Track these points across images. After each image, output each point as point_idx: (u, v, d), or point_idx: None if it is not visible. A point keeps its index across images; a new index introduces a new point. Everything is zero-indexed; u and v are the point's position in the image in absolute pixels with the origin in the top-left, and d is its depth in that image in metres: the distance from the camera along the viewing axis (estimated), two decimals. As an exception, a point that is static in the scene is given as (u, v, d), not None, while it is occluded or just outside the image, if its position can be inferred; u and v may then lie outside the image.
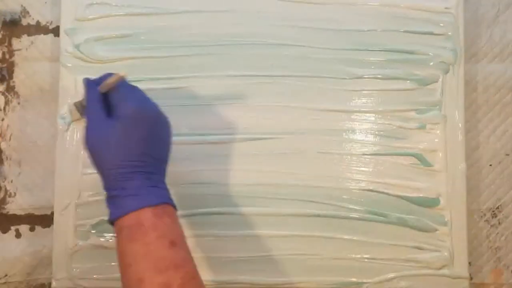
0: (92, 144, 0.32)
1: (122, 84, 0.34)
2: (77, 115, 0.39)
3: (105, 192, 0.32)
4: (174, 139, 0.44)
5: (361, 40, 0.45)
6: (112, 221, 0.32)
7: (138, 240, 0.30)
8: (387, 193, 0.44)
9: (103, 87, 0.34)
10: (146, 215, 0.31)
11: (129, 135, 0.31)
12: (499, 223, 0.47)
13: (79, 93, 0.44)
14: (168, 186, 0.35)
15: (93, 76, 0.44)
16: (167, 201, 0.32)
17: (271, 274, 0.43)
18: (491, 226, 0.47)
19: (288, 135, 0.44)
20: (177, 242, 0.31)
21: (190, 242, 0.42)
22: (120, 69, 0.44)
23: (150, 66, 0.45)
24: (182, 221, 0.43)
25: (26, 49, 0.47)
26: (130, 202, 0.31)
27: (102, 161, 0.32)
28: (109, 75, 0.34)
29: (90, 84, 0.35)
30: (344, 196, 0.44)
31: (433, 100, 0.45)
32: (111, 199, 0.32)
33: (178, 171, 0.44)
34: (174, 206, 0.33)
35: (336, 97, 0.45)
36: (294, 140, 0.44)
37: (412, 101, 0.45)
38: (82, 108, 0.36)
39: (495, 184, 0.47)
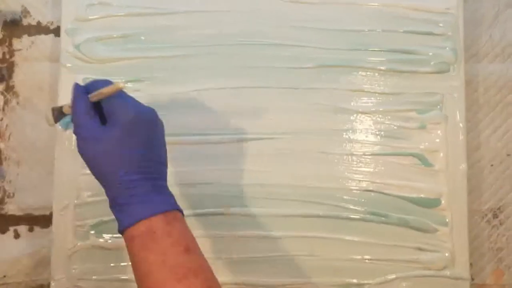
0: (91, 153, 0.31)
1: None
2: (51, 120, 0.34)
3: (110, 202, 0.32)
4: (175, 139, 0.44)
5: (361, 40, 0.45)
6: (122, 231, 0.31)
7: (152, 249, 0.29)
8: (388, 194, 0.44)
9: (96, 96, 0.32)
10: (158, 223, 0.30)
11: (130, 141, 0.31)
12: (500, 223, 0.46)
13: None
14: (168, 186, 0.34)
15: (94, 76, 0.44)
16: (176, 207, 0.32)
17: (272, 274, 0.43)
18: (492, 226, 0.46)
19: (288, 135, 0.44)
20: (191, 247, 0.30)
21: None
22: (121, 70, 0.45)
23: (150, 66, 0.45)
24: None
25: (27, 49, 0.47)
26: (140, 210, 0.30)
27: (105, 170, 0.31)
28: (104, 83, 0.32)
29: (79, 90, 0.33)
30: (345, 197, 0.44)
31: (434, 100, 0.45)
32: (119, 208, 0.31)
33: (178, 171, 0.44)
34: (181, 212, 0.32)
35: (336, 97, 0.45)
36: (294, 140, 0.44)
37: (413, 101, 0.45)
38: (59, 114, 0.34)
39: (496, 184, 0.47)
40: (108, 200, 0.32)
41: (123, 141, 0.31)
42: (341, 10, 0.45)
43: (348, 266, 0.43)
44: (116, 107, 0.32)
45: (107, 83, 0.32)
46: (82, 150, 0.32)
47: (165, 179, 0.33)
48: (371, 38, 0.45)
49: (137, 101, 0.33)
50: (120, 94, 0.32)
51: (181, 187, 0.43)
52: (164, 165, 0.33)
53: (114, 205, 0.31)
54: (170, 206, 0.31)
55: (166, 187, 0.33)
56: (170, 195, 0.32)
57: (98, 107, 0.32)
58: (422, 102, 0.45)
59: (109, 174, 0.31)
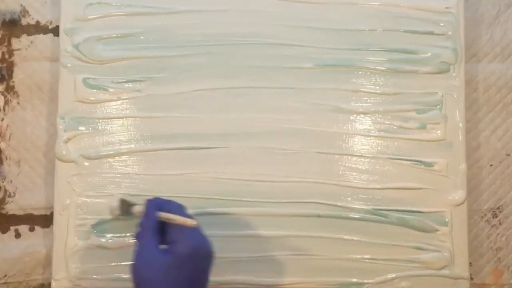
0: (140, 273, 0.32)
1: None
2: (116, 211, 0.38)
3: None
4: (175, 139, 0.44)
5: (361, 40, 0.45)
6: None
7: None
8: (387, 193, 0.44)
9: (166, 219, 0.34)
10: None
11: (182, 273, 0.32)
12: (500, 223, 0.47)
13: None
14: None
15: (93, 76, 0.44)
16: None
17: (271, 274, 0.43)
18: (492, 226, 0.46)
19: (288, 135, 0.44)
20: None
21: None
22: (120, 70, 0.45)
23: (150, 66, 0.45)
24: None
25: (26, 48, 0.46)
26: None
27: None
28: (177, 208, 0.35)
29: (151, 206, 0.35)
30: (345, 196, 0.44)
31: (434, 100, 0.45)
32: None
33: (177, 171, 0.44)
34: None
35: (336, 97, 0.45)
36: (294, 140, 0.44)
37: (412, 101, 0.45)
38: (127, 210, 0.37)
39: (495, 184, 0.47)
40: None
41: (174, 271, 0.32)
42: (341, 9, 0.45)
43: (348, 266, 0.43)
44: (180, 237, 0.33)
45: (180, 209, 0.34)
46: (133, 266, 0.33)
47: None
48: (371, 38, 0.45)
49: (200, 232, 0.34)
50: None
51: (181, 187, 0.43)
52: None
53: None
54: None
55: None
56: None
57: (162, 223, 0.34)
58: (422, 102, 0.45)
59: None
